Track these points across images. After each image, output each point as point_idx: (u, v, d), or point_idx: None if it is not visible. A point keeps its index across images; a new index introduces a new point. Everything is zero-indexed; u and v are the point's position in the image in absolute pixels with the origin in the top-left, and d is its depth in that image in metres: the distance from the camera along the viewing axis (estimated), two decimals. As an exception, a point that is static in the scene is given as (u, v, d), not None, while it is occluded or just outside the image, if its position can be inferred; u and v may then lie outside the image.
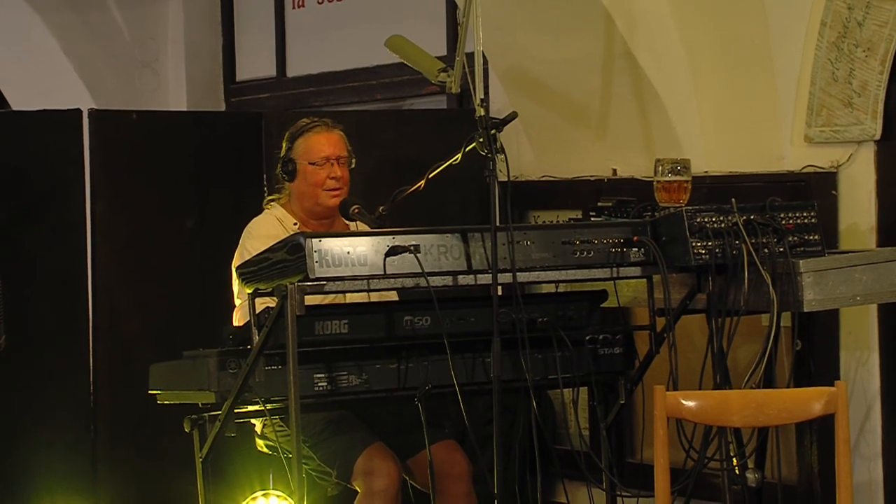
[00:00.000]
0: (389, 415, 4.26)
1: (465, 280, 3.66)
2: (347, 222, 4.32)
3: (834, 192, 4.45)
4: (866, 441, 4.45)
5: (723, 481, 3.92)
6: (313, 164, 4.29)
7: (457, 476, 4.14)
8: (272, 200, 4.42)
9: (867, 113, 4.34)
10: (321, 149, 4.30)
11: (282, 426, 3.99)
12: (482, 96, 3.71)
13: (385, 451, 4.07)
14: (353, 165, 4.35)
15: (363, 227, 4.22)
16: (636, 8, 4.71)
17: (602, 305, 4.11)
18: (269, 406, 3.73)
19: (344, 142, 4.36)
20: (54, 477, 4.88)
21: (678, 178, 4.16)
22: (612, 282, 3.88)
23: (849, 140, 4.42)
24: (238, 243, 4.29)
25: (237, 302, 4.22)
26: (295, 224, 4.28)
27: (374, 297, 4.14)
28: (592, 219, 4.20)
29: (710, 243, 3.80)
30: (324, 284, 3.50)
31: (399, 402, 3.98)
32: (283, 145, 4.38)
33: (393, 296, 4.21)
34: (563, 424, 5.17)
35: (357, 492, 4.07)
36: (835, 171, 4.46)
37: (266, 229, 4.25)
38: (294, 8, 6.91)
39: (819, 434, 4.46)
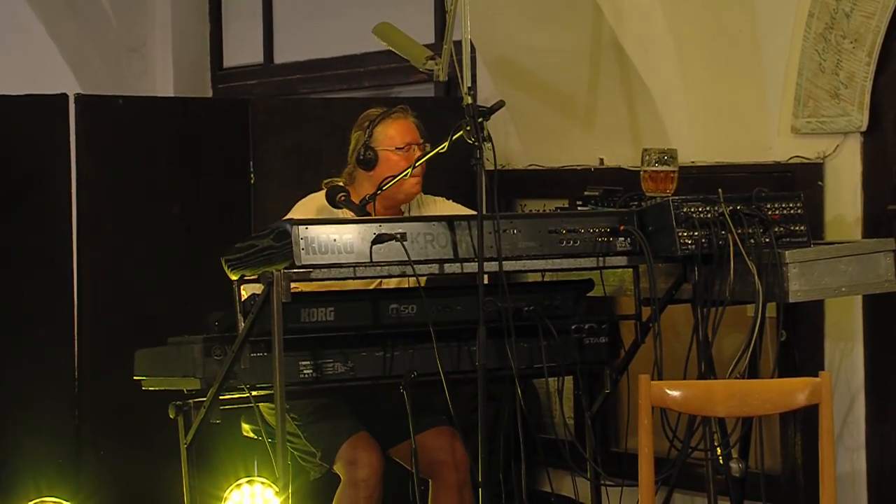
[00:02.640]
0: (381, 402, 4.25)
1: (451, 268, 3.67)
2: (336, 211, 4.29)
3: (820, 183, 4.46)
4: (850, 432, 4.46)
5: (707, 471, 3.93)
6: (400, 148, 4.22)
7: (454, 465, 4.13)
8: (329, 182, 4.27)
9: (854, 104, 4.35)
10: (406, 134, 4.25)
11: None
12: (469, 85, 3.71)
13: (369, 440, 4.07)
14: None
15: (350, 214, 4.21)
16: (624, -3, 4.71)
17: (588, 295, 4.12)
18: (254, 393, 3.72)
19: (419, 127, 4.30)
20: (38, 463, 4.86)
21: (665, 167, 4.16)
22: (599, 271, 3.89)
23: (835, 131, 4.42)
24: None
25: None
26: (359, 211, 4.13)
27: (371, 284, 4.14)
28: (579, 208, 4.20)
29: (696, 233, 3.80)
30: (310, 272, 3.50)
31: (384, 389, 3.98)
32: (355, 135, 4.28)
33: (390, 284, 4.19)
34: (548, 413, 5.18)
35: (339, 477, 4.07)
36: (821, 162, 4.47)
37: (316, 205, 4.17)
38: (282, -6, 6.91)
39: (803, 424, 4.47)
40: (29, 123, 4.96)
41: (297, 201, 4.27)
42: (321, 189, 4.28)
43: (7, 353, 4.86)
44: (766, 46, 4.55)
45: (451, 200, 4.36)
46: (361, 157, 4.24)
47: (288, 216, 4.16)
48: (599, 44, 4.80)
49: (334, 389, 3.92)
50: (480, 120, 3.65)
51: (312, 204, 4.21)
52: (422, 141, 4.28)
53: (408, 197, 4.27)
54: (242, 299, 3.65)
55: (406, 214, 4.28)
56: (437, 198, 4.36)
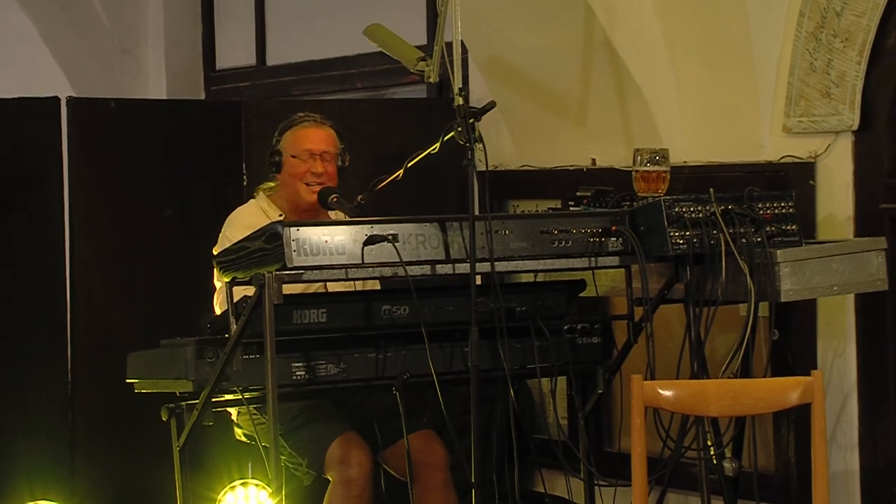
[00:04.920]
0: (367, 404, 4.26)
1: (443, 269, 3.67)
2: (329, 213, 4.31)
3: (812, 182, 4.46)
4: (843, 431, 4.46)
5: (700, 470, 3.93)
6: (295, 156, 4.30)
7: (434, 465, 4.14)
8: (262, 190, 4.40)
9: (845, 103, 4.35)
10: (305, 142, 4.31)
11: (256, 415, 3.98)
12: (461, 85, 3.71)
13: (358, 440, 4.07)
14: (344, 163, 4.34)
15: (342, 216, 4.22)
16: (616, -3, 4.72)
17: (580, 295, 4.12)
18: (246, 395, 3.72)
19: (333, 138, 4.36)
20: (32, 465, 4.86)
21: (657, 167, 4.16)
22: (591, 271, 3.89)
23: (827, 130, 4.43)
24: (220, 230, 4.29)
25: (217, 284, 4.21)
26: (280, 215, 4.27)
27: (358, 285, 4.15)
28: (571, 208, 4.20)
29: (688, 233, 3.80)
30: (301, 273, 3.50)
31: (377, 391, 3.98)
32: (274, 138, 4.39)
33: (377, 285, 4.20)
34: (541, 414, 5.18)
35: (328, 482, 4.06)
36: (813, 161, 4.47)
37: (248, 219, 4.24)
38: (274, -4, 6.90)
39: (796, 424, 4.47)
40: (21, 126, 4.96)
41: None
42: (249, 199, 4.42)
43: (1, 354, 4.85)
44: (757, 46, 4.55)
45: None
46: (269, 160, 4.36)
47: (224, 234, 4.22)
48: (591, 44, 4.80)
49: (327, 391, 3.92)
50: (472, 121, 3.65)
51: (244, 217, 4.26)
52: (332, 151, 4.33)
53: (306, 203, 4.29)
54: (234, 301, 3.65)
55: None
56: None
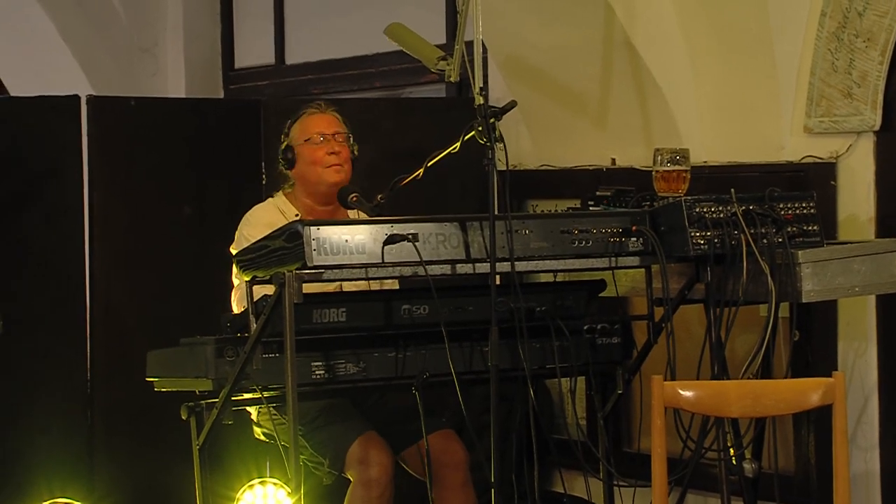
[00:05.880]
0: (386, 404, 4.25)
1: (463, 269, 3.66)
2: (348, 212, 4.31)
3: (833, 182, 4.45)
4: (863, 432, 4.45)
5: (720, 471, 3.92)
6: (308, 140, 4.27)
7: (454, 465, 4.13)
8: (280, 191, 4.40)
9: (867, 103, 4.33)
10: (315, 126, 4.29)
11: (276, 414, 3.99)
12: (481, 85, 3.70)
13: (378, 440, 4.07)
14: (354, 149, 4.33)
15: (362, 215, 4.21)
16: (636, -4, 4.71)
17: (600, 295, 4.11)
18: (266, 394, 3.72)
19: (339, 120, 4.34)
20: (51, 463, 4.88)
21: (677, 167, 4.15)
22: (611, 271, 3.87)
23: (848, 130, 4.41)
24: (237, 229, 4.29)
25: (235, 282, 4.21)
26: (296, 214, 4.25)
27: (375, 285, 4.14)
28: (591, 208, 4.19)
29: (708, 233, 3.79)
30: (322, 272, 3.50)
31: (396, 390, 3.98)
32: (282, 138, 4.37)
33: (395, 284, 4.20)
34: (561, 414, 5.17)
35: (349, 482, 4.06)
36: (834, 161, 4.45)
37: (265, 217, 4.23)
38: (293, -5, 6.91)
39: (816, 425, 4.46)
40: (41, 124, 4.97)
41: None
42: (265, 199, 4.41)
43: (20, 353, 4.87)
44: (778, 45, 4.54)
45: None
46: (282, 159, 4.33)
47: (241, 233, 4.21)
48: (611, 43, 4.79)
49: (346, 390, 3.92)
50: (492, 120, 3.65)
51: (262, 216, 4.25)
52: (343, 131, 4.31)
53: (329, 186, 4.25)
54: (254, 300, 3.65)
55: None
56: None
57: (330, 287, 4.09)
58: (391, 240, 3.55)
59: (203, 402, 3.78)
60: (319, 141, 4.27)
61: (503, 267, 3.64)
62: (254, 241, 3.72)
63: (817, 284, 3.78)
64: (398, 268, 3.59)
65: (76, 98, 5.01)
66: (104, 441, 5.00)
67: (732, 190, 3.86)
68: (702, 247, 3.78)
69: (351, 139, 4.33)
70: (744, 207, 3.83)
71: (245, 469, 4.81)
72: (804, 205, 3.90)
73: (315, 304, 3.73)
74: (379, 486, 4.00)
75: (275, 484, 4.68)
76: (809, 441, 4.53)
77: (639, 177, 4.59)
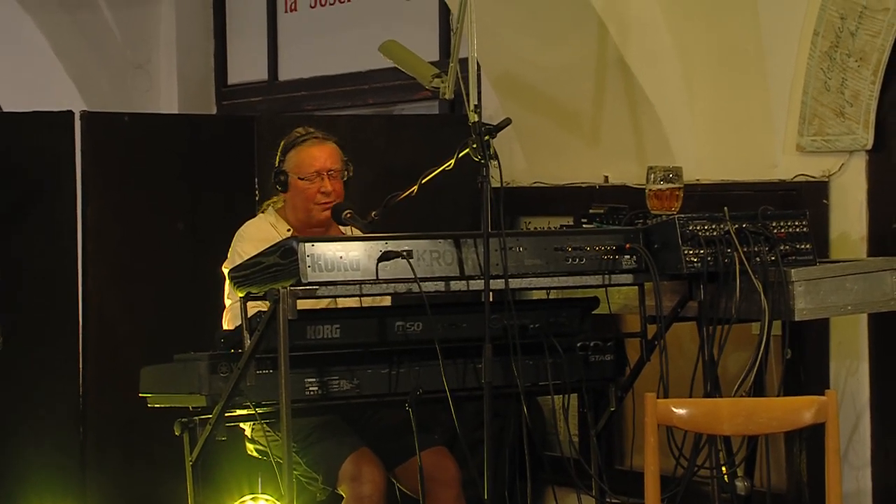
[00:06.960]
0: (379, 420, 4.26)
1: (457, 286, 3.66)
2: (342, 228, 4.31)
3: (825, 201, 4.46)
4: (855, 450, 4.46)
5: (712, 489, 3.92)
6: (303, 179, 4.27)
7: (446, 482, 4.13)
8: (270, 205, 4.41)
9: (859, 123, 4.35)
10: (312, 163, 4.27)
11: (269, 430, 3.98)
12: (476, 102, 3.71)
13: (371, 456, 4.07)
14: (347, 177, 4.33)
15: (356, 231, 4.22)
16: (629, 15, 4.72)
17: (593, 312, 4.11)
18: (259, 410, 3.72)
19: (337, 154, 4.33)
20: (43, 478, 4.87)
21: (670, 185, 4.16)
22: (604, 289, 3.88)
23: (840, 149, 4.43)
24: (230, 245, 4.29)
25: (227, 302, 4.21)
26: (288, 230, 4.26)
27: (368, 300, 4.15)
28: (584, 226, 4.20)
29: (701, 251, 3.80)
30: (316, 289, 3.50)
31: (390, 406, 3.98)
32: (277, 156, 4.36)
33: (387, 301, 4.20)
34: (553, 430, 5.17)
35: (342, 497, 4.06)
36: (826, 180, 4.47)
37: (259, 233, 4.24)
38: (286, 11, 6.92)
39: (808, 443, 4.46)
40: (35, 140, 4.98)
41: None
42: (256, 214, 4.41)
43: (12, 367, 4.87)
44: (771, 64, 4.56)
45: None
46: (274, 180, 4.32)
47: (235, 249, 4.20)
48: (605, 61, 4.80)
49: (340, 407, 3.92)
50: (487, 138, 3.65)
51: (255, 232, 4.25)
52: (338, 168, 4.28)
53: (318, 222, 4.27)
54: (248, 316, 3.65)
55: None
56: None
57: (323, 302, 4.10)
58: (385, 256, 3.56)
59: (196, 418, 3.77)
60: (314, 179, 4.27)
61: (497, 284, 3.64)
62: (248, 257, 3.73)
63: (810, 303, 3.79)
64: (392, 284, 3.59)
65: (70, 114, 5.01)
66: (96, 455, 4.99)
67: (725, 208, 3.87)
68: (695, 265, 3.80)
69: (344, 168, 4.32)
70: (737, 225, 3.84)
71: (237, 485, 4.80)
72: (797, 223, 3.92)
73: (309, 320, 3.73)
74: (371, 503, 4.00)
75: (267, 500, 4.66)
76: (802, 459, 4.53)
77: (632, 194, 4.60)
